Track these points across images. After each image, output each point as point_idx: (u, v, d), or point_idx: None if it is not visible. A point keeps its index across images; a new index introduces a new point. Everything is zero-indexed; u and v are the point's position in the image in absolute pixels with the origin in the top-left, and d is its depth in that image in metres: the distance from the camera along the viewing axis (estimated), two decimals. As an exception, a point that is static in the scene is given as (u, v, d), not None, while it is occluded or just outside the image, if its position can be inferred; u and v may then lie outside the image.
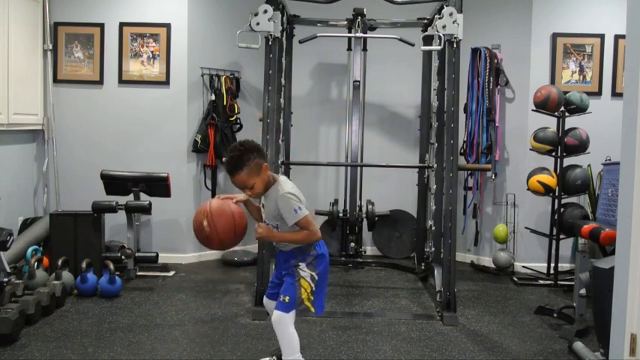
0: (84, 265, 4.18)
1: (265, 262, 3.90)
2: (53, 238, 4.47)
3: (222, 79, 5.26)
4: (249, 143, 2.66)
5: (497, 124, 5.17)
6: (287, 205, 2.61)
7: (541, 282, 4.84)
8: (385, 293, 4.51)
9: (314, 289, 2.70)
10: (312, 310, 2.70)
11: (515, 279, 4.91)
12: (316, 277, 2.70)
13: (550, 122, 4.76)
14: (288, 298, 2.68)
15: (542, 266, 4.99)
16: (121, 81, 5.19)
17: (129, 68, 5.17)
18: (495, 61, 5.14)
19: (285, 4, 4.69)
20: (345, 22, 5.17)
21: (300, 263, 2.71)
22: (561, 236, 4.74)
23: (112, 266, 4.19)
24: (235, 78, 5.42)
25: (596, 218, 4.48)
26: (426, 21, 5.02)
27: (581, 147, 4.65)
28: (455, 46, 3.95)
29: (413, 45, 5.00)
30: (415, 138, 5.63)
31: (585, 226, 3.98)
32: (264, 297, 2.98)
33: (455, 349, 3.37)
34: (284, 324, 2.69)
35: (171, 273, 4.90)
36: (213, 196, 5.34)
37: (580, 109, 4.67)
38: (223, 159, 4.89)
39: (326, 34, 5.10)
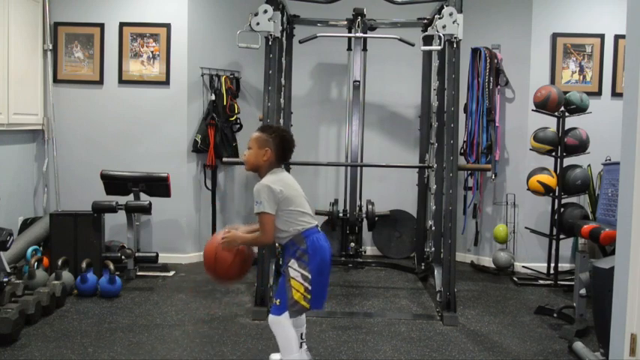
0: (84, 265, 4.18)
1: (265, 262, 3.90)
2: (53, 238, 4.47)
3: (222, 79, 5.26)
4: (286, 132, 2.80)
5: (497, 124, 5.17)
6: (255, 194, 2.62)
7: (541, 282, 4.84)
8: (385, 293, 4.51)
9: (309, 287, 2.62)
10: (308, 307, 2.64)
11: (515, 279, 4.91)
12: (309, 276, 2.62)
13: (550, 122, 4.76)
14: (279, 300, 2.67)
15: (542, 266, 4.99)
16: (121, 81, 5.19)
17: (129, 68, 5.17)
18: (495, 61, 5.14)
19: (285, 4, 4.69)
20: (345, 22, 5.17)
21: (291, 259, 2.66)
22: (561, 236, 4.74)
23: (112, 266, 4.20)
24: (235, 78, 5.42)
25: (596, 218, 4.48)
26: (426, 21, 5.02)
27: (581, 147, 4.65)
28: (455, 46, 3.95)
29: (413, 45, 5.00)
30: (415, 138, 5.63)
31: (585, 226, 3.98)
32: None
33: (455, 349, 3.37)
34: (279, 326, 2.67)
35: (171, 273, 4.90)
36: (213, 196, 5.36)
37: (580, 109, 4.67)
38: (223, 159, 4.92)
39: (326, 34, 5.10)
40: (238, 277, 2.80)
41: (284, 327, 2.67)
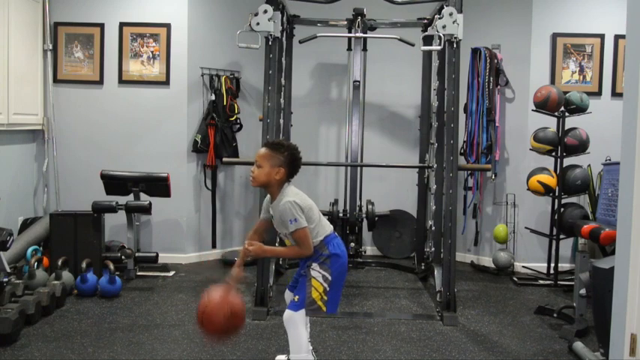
0: (84, 265, 4.18)
1: (265, 262, 3.90)
2: (53, 238, 4.47)
3: (222, 79, 5.25)
4: (296, 150, 2.78)
5: (497, 124, 5.17)
6: (286, 213, 2.63)
7: (541, 282, 4.84)
8: (385, 293, 4.51)
9: (327, 289, 2.69)
10: (324, 309, 2.70)
11: (515, 279, 4.91)
12: (329, 278, 2.69)
13: (550, 122, 4.76)
14: (297, 297, 2.71)
15: (542, 266, 4.99)
16: (121, 81, 5.19)
17: (129, 68, 5.17)
18: (495, 61, 5.14)
19: (285, 4, 4.69)
20: (345, 22, 5.16)
21: (313, 263, 2.71)
22: (561, 236, 4.74)
23: (112, 266, 4.20)
24: (235, 78, 5.42)
25: (596, 218, 4.48)
26: (426, 21, 5.02)
27: (581, 147, 4.65)
28: (455, 46, 3.96)
29: (413, 45, 5.00)
30: (415, 138, 5.63)
31: (585, 226, 3.97)
32: (287, 289, 2.96)
33: (455, 349, 3.37)
34: (293, 323, 2.70)
35: (172, 273, 4.90)
36: (213, 196, 5.36)
37: (580, 109, 4.67)
38: (223, 159, 4.92)
39: (326, 34, 5.10)
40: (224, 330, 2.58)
41: (297, 325, 2.69)
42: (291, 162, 2.72)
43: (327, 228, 2.77)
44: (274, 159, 2.69)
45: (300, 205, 2.64)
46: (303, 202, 2.68)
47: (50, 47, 5.11)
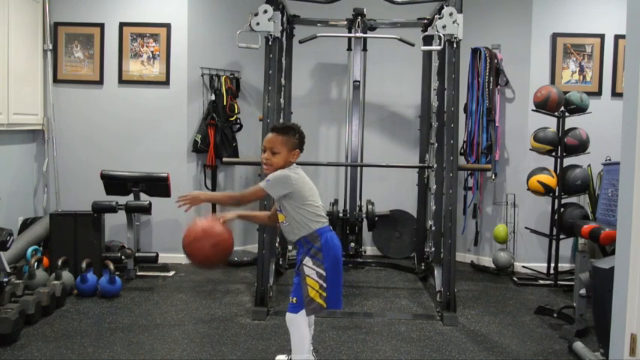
0: (84, 265, 4.18)
1: (265, 262, 3.90)
2: (53, 238, 4.47)
3: (222, 79, 5.25)
4: (300, 128, 2.81)
5: (497, 124, 5.17)
6: (272, 174, 2.66)
7: (541, 282, 4.84)
8: (385, 293, 4.51)
9: (324, 285, 2.66)
10: (325, 305, 2.67)
11: (515, 279, 4.91)
12: (324, 273, 2.66)
13: (550, 122, 4.76)
14: (295, 299, 2.70)
15: (542, 266, 4.99)
16: (121, 81, 5.19)
17: (129, 68, 5.17)
18: (495, 61, 5.14)
19: (285, 4, 4.69)
20: (345, 22, 5.16)
21: (305, 256, 2.70)
22: (561, 236, 4.74)
23: (112, 266, 4.20)
24: (235, 78, 5.42)
25: (596, 218, 4.48)
26: (426, 21, 5.02)
27: (581, 147, 4.65)
28: (455, 46, 3.96)
29: (413, 45, 5.00)
30: (415, 138, 5.63)
31: (585, 226, 3.97)
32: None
33: (455, 349, 3.37)
34: (295, 324, 2.71)
35: (171, 273, 4.90)
36: (213, 196, 5.36)
37: (580, 109, 4.67)
38: (223, 159, 4.92)
39: (326, 34, 5.10)
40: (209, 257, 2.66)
41: (299, 325, 2.70)
42: (301, 142, 2.78)
43: (324, 220, 2.74)
44: (290, 142, 2.72)
45: (289, 177, 2.64)
46: (302, 181, 2.68)
47: (50, 47, 5.11)
